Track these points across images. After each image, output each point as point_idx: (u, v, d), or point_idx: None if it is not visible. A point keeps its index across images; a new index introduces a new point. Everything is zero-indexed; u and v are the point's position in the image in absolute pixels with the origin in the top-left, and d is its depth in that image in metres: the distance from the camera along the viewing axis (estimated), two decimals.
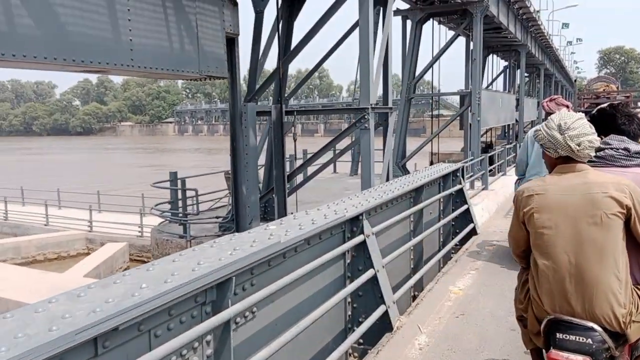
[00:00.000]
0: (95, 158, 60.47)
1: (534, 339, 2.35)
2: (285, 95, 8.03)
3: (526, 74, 35.32)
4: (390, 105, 7.35)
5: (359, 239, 3.43)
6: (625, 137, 2.54)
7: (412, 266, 5.05)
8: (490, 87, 23.35)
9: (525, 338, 2.53)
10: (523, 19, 20.00)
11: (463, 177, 6.84)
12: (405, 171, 14.32)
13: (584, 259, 2.11)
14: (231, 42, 6.70)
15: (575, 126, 2.20)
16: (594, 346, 2.06)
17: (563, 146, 2.20)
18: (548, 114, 5.15)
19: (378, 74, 6.73)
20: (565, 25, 44.55)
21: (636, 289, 2.18)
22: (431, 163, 15.04)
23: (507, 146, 22.18)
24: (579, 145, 2.18)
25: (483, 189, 9.18)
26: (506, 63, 25.07)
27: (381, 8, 8.09)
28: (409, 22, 13.85)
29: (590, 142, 2.19)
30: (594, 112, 2.80)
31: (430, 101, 16.70)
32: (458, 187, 6.51)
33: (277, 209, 6.83)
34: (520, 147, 5.74)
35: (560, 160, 2.26)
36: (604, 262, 2.09)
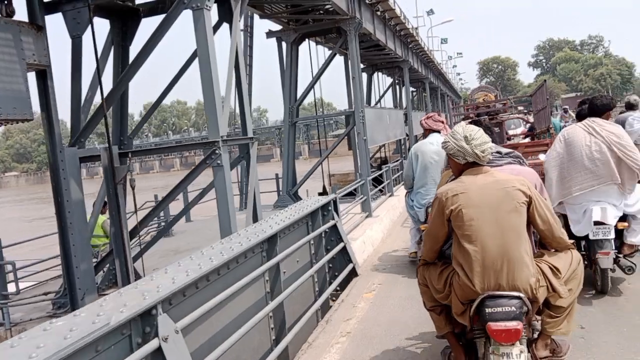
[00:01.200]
0: None
1: (459, 318, 2.75)
2: (128, 134, 6.79)
3: (413, 89, 36.61)
4: (250, 135, 6.37)
5: (150, 346, 2.32)
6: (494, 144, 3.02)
7: (273, 337, 4.01)
8: (379, 105, 23.44)
9: (440, 324, 2.97)
10: (401, 36, 20.26)
11: (337, 210, 6.01)
12: (297, 199, 13.45)
13: (506, 241, 2.57)
14: (42, 75, 5.40)
15: (477, 136, 2.71)
16: (517, 311, 2.52)
17: (471, 154, 2.68)
18: (426, 130, 5.72)
19: (228, 102, 5.75)
20: (444, 40, 47.17)
21: (535, 260, 2.71)
22: (323, 189, 14.34)
23: (397, 162, 22.31)
24: (483, 152, 2.69)
25: (367, 217, 8.40)
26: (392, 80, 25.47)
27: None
28: (284, 44, 13.16)
29: (490, 148, 2.74)
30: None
31: (316, 123, 16.01)
32: (331, 223, 5.66)
33: (119, 276, 5.54)
34: (405, 163, 5.93)
35: (467, 165, 2.74)
36: (521, 242, 2.59)
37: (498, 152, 3.09)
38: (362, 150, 12.79)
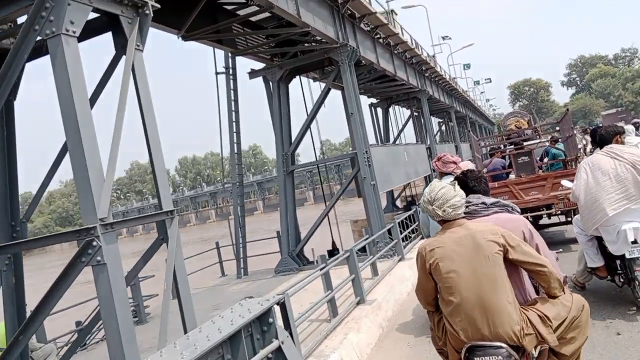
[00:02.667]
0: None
1: None
2: (21, 217, 5.03)
3: (439, 120, 34.47)
4: (166, 208, 4.47)
5: None
6: (480, 195, 3.26)
7: None
8: (399, 141, 21.42)
9: None
10: (414, 64, 18.43)
11: (290, 322, 3.97)
12: (303, 261, 11.41)
13: (483, 291, 2.70)
14: None
15: (439, 196, 2.90)
16: None
17: (435, 214, 2.93)
18: (440, 173, 5.15)
19: (113, 166, 3.90)
20: (467, 66, 44.98)
21: (521, 309, 2.75)
22: (333, 245, 12.25)
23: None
24: (444, 211, 2.88)
25: (358, 303, 6.10)
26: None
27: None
28: (271, 84, 11.48)
29: (452, 206, 2.88)
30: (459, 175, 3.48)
31: (317, 169, 14.09)
32: (274, 344, 3.57)
33: None
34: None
35: (442, 221, 2.95)
36: (498, 290, 2.69)
37: (483, 203, 3.19)
38: (370, 197, 10.74)
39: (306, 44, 10.96)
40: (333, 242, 12.12)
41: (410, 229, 10.70)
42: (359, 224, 20.90)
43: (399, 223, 10.43)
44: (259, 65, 11.65)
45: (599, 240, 4.81)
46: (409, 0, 34.93)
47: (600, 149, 4.75)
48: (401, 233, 10.12)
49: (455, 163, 4.96)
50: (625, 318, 4.56)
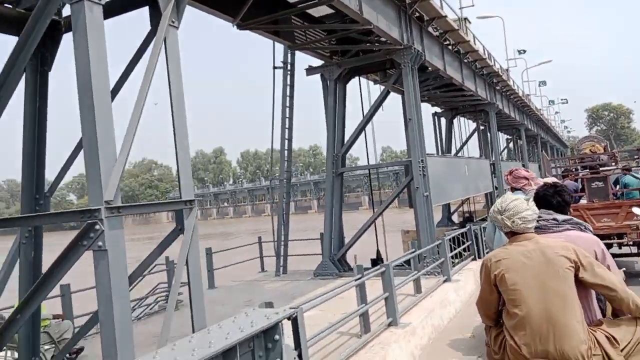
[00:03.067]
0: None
1: None
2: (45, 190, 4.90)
3: (508, 137, 32.85)
4: (188, 197, 4.16)
5: None
6: (552, 210, 3.23)
7: None
8: (462, 153, 20.46)
9: None
10: (484, 75, 17.47)
11: (301, 342, 3.54)
12: (344, 267, 10.95)
13: (552, 307, 2.61)
14: None
15: (510, 207, 2.88)
16: None
17: (503, 224, 2.89)
18: (511, 188, 5.01)
19: (128, 147, 3.62)
20: (543, 83, 42.59)
21: (589, 329, 2.66)
22: (377, 254, 11.68)
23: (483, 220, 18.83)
24: (513, 222, 2.85)
25: (389, 324, 5.46)
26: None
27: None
28: (328, 82, 11.09)
29: (522, 219, 2.85)
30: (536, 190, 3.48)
31: (368, 174, 13.51)
32: None
33: None
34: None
35: (510, 233, 2.91)
36: (567, 307, 2.61)
37: (554, 219, 3.15)
38: (421, 209, 10.11)
39: (368, 44, 10.47)
40: (378, 251, 11.57)
41: (462, 247, 9.94)
42: (410, 235, 20.11)
43: (450, 240, 9.74)
44: (317, 63, 11.30)
45: None
46: (485, 11, 33.47)
47: None
48: (451, 251, 9.44)
49: (527, 179, 4.79)
50: None
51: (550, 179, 4.94)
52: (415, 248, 8.02)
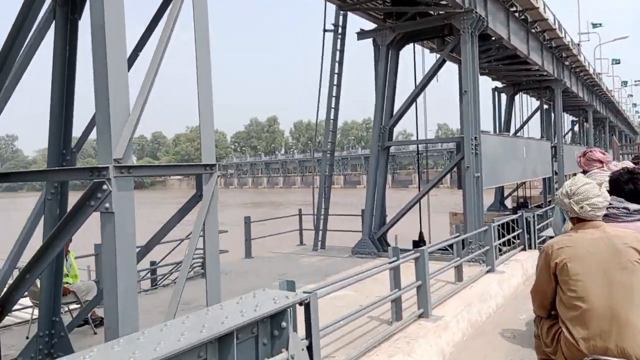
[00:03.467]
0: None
1: None
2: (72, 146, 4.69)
3: (573, 118, 30.83)
4: (209, 161, 3.80)
5: None
6: (623, 199, 2.99)
7: None
8: (521, 133, 19.25)
9: None
10: (553, 48, 16.13)
11: (312, 331, 3.13)
12: (383, 246, 10.48)
13: (616, 301, 2.41)
14: None
15: (580, 191, 2.64)
16: None
17: (570, 209, 2.67)
18: (583, 171, 4.74)
19: (144, 98, 3.26)
20: (616, 61, 39.43)
21: None
22: (420, 236, 11.11)
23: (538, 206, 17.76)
24: (581, 208, 2.61)
25: (420, 316, 4.90)
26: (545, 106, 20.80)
27: None
28: (380, 48, 10.43)
29: (591, 205, 2.60)
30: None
31: (416, 150, 12.77)
32: (280, 358, 2.74)
33: None
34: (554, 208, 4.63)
35: (576, 219, 2.68)
36: (633, 302, 2.41)
37: (626, 208, 2.95)
38: (470, 190, 9.42)
39: (424, 6, 9.69)
40: (421, 233, 10.99)
41: (511, 235, 9.20)
42: (459, 218, 19.28)
43: (499, 227, 9.03)
44: (370, 27, 10.62)
45: None
46: None
47: None
48: (499, 239, 8.76)
49: (601, 162, 4.41)
50: None
51: (628, 164, 4.37)
52: (460, 232, 7.41)
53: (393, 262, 5.28)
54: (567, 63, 18.34)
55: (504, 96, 19.10)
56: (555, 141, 18.25)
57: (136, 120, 3.26)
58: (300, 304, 3.00)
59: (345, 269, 9.08)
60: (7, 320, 6.22)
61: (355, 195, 53.63)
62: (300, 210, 12.45)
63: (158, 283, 10.21)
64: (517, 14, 12.42)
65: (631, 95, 56.44)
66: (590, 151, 4.52)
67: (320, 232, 11.32)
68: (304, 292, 3.10)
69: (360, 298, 6.06)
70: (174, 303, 3.50)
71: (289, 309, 2.78)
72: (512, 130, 19.12)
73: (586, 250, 2.52)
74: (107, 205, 3.16)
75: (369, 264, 9.20)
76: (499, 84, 18.89)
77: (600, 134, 34.18)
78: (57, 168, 3.88)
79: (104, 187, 3.15)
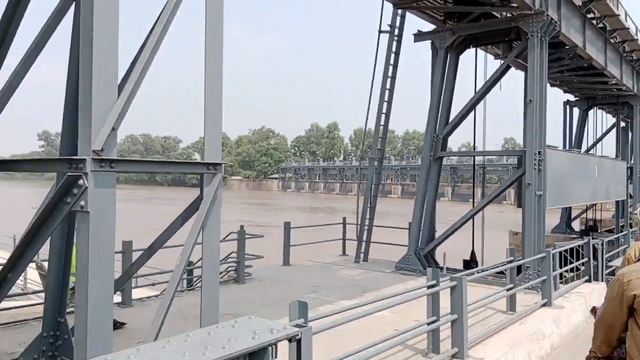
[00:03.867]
0: None
1: None
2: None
3: None
4: (213, 160, 3.34)
5: None
6: None
7: None
8: (594, 151, 17.72)
9: None
10: (633, 61, 14.67)
11: None
12: (430, 263, 9.71)
13: None
14: None
15: None
16: None
17: None
18: None
19: (127, 93, 2.81)
20: None
21: None
22: (472, 255, 10.21)
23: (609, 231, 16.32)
24: None
25: (454, 357, 4.15)
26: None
27: None
28: (438, 51, 9.70)
29: None
30: None
31: (473, 163, 11.84)
32: None
33: None
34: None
35: None
36: None
37: None
38: (531, 210, 8.49)
39: (490, 6, 8.89)
40: (472, 252, 10.10)
41: (574, 264, 8.17)
42: (519, 238, 17.98)
43: (562, 253, 8.05)
44: (428, 28, 9.92)
45: None
46: None
47: None
48: (561, 267, 7.79)
49: None
50: None
51: None
52: (514, 256, 6.56)
53: (432, 286, 4.63)
54: None
55: (576, 111, 17.65)
56: (632, 161, 16.60)
57: (122, 109, 2.83)
58: (290, 340, 2.44)
59: (385, 285, 8.43)
60: (14, 313, 6.06)
61: (388, 205, 51.99)
62: (344, 219, 11.86)
63: (194, 284, 9.95)
64: (594, 21, 11.28)
65: None
66: None
67: (364, 244, 10.68)
68: (295, 326, 2.53)
69: (397, 321, 5.45)
70: (158, 320, 3.03)
71: (270, 347, 2.22)
72: (584, 148, 17.62)
73: None
74: (82, 203, 2.75)
75: (413, 283, 8.49)
76: (571, 97, 17.48)
77: None
78: (35, 158, 3.53)
79: (80, 182, 2.74)
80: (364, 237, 10.62)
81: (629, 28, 12.11)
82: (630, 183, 16.24)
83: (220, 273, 9.19)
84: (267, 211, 60.95)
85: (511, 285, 6.41)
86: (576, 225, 19.97)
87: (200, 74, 3.31)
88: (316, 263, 10.44)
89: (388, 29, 10.37)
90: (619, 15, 11.06)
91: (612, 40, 12.72)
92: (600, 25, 11.70)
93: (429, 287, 4.64)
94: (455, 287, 4.34)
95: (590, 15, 11.10)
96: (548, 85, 15.85)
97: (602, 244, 8.17)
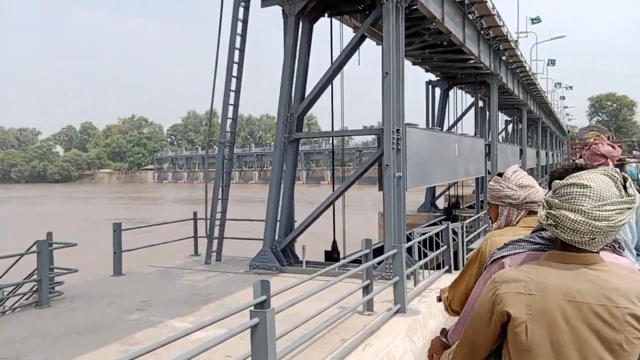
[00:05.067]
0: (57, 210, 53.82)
1: None
2: None
3: (508, 118, 30.44)
4: None
5: None
6: None
7: None
8: (454, 131, 18.00)
9: None
10: (490, 39, 14.88)
11: None
12: (289, 257, 8.62)
13: None
14: None
15: (570, 192, 1.60)
16: None
17: (545, 222, 1.61)
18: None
19: None
20: (552, 62, 39.69)
21: None
22: (333, 246, 9.31)
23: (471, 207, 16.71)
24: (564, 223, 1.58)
25: None
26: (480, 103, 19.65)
27: None
28: (288, 18, 8.51)
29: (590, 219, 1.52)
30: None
31: (331, 144, 11.02)
32: None
33: None
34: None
35: (561, 243, 1.53)
36: None
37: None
38: (390, 194, 7.72)
39: None
40: (334, 242, 9.18)
41: (433, 254, 7.51)
42: (408, 219, 17.83)
43: (420, 243, 7.36)
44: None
45: None
46: None
47: None
48: (420, 258, 7.10)
49: (605, 157, 3.88)
50: None
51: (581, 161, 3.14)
52: (369, 249, 5.62)
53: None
54: (504, 58, 17.23)
55: (438, 90, 17.77)
56: (490, 139, 17.11)
57: None
58: None
59: (232, 292, 7.16)
60: None
61: (316, 194, 51.08)
62: (195, 213, 10.34)
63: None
64: None
65: (563, 98, 57.92)
66: (595, 144, 3.82)
67: (216, 241, 9.30)
68: None
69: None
70: None
71: None
72: (446, 128, 17.85)
73: (560, 308, 1.42)
74: None
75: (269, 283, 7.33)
76: (433, 77, 17.54)
77: (533, 134, 34.12)
78: None
79: None
80: (216, 233, 9.23)
81: (486, 2, 11.98)
82: (489, 160, 16.69)
83: (25, 295, 7.26)
84: (142, 205, 56.57)
85: (367, 283, 5.51)
86: (441, 202, 20.43)
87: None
88: (157, 269, 8.82)
89: None
90: None
91: (470, 17, 12.58)
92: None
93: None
94: (257, 328, 3.15)
95: None
96: (410, 63, 15.66)
97: (463, 228, 7.65)
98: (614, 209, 1.38)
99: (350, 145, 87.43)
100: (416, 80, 18.13)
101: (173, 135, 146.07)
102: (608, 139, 17.89)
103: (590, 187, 1.41)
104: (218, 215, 9.15)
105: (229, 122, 9.24)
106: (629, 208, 1.40)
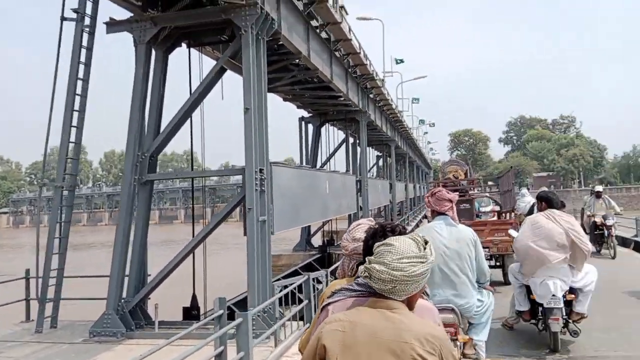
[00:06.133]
0: None
1: None
2: None
3: (378, 153, 31.68)
4: None
5: None
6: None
7: None
8: (326, 168, 17.95)
9: None
10: (357, 77, 15.17)
11: None
12: (139, 319, 7.43)
13: None
14: None
15: (386, 250, 2.04)
16: None
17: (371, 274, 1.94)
18: (432, 211, 4.46)
19: None
20: (416, 100, 42.77)
21: None
22: (193, 301, 8.26)
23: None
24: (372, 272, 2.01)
25: None
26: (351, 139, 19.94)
27: None
28: (139, 46, 7.60)
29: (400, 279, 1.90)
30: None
31: (192, 184, 10.13)
32: None
33: None
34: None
35: (370, 292, 1.87)
36: None
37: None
38: (253, 240, 7.01)
39: None
40: (193, 296, 8.09)
41: (295, 310, 6.74)
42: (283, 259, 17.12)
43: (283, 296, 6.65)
44: (125, 15, 7.79)
45: (528, 288, 5.61)
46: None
47: (543, 210, 5.55)
48: (287, 304, 6.42)
49: (450, 201, 4.19)
50: (538, 357, 5.41)
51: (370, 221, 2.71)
52: (224, 309, 4.81)
53: None
54: (371, 96, 17.75)
55: (310, 127, 17.70)
56: (360, 175, 17.31)
57: None
58: None
59: None
60: None
61: (172, 232, 47.95)
62: (27, 271, 8.67)
63: None
64: (318, 30, 10.78)
65: (427, 133, 62.45)
66: (439, 191, 4.23)
67: (52, 304, 7.78)
68: None
69: None
70: None
71: None
72: (319, 164, 17.76)
73: (364, 342, 1.69)
74: None
75: (109, 355, 6.11)
76: (305, 114, 17.45)
77: (401, 168, 35.93)
78: None
79: None
80: (50, 295, 7.73)
81: (351, 39, 12.08)
82: (360, 196, 16.83)
83: None
84: None
85: (220, 350, 4.70)
86: (317, 239, 20.15)
87: None
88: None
89: (74, 16, 7.87)
90: (340, 23, 10.71)
91: (337, 54, 12.62)
92: (325, 36, 11.33)
93: None
94: None
95: (315, 24, 10.55)
96: (281, 99, 15.38)
97: (327, 276, 7.14)
98: (409, 262, 1.70)
99: (231, 181, 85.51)
100: (294, 116, 17.87)
101: (33, 174, 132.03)
102: (466, 173, 19.25)
103: (393, 246, 1.74)
104: (53, 273, 7.69)
105: (69, 162, 7.94)
106: (422, 262, 1.71)
